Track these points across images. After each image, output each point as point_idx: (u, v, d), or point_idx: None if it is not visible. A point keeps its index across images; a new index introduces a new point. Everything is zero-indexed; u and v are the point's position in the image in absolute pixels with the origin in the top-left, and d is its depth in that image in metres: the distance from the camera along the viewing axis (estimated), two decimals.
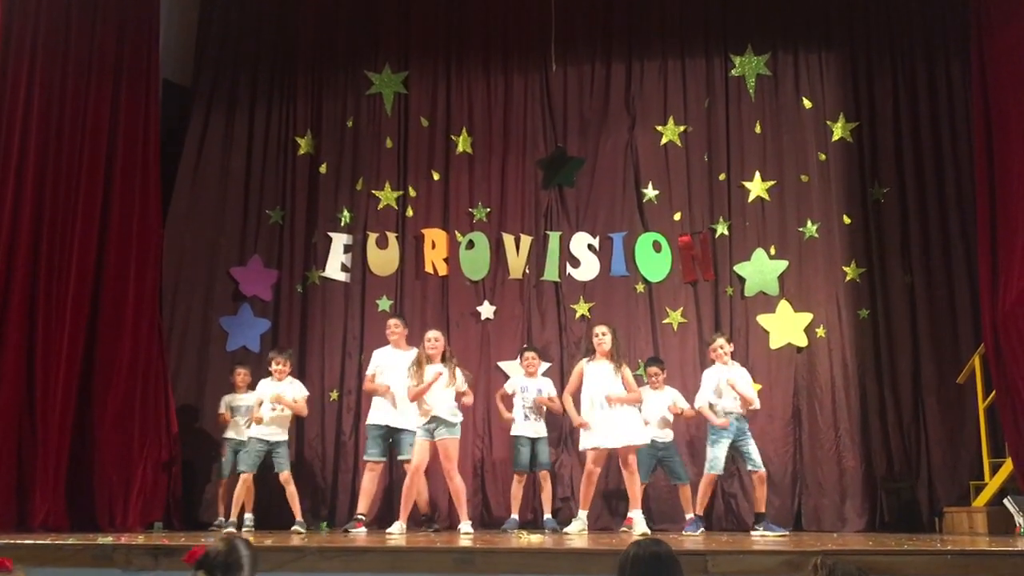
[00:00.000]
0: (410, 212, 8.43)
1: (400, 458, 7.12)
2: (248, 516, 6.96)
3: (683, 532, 6.80)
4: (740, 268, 8.07)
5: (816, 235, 8.04)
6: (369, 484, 7.00)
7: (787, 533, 6.75)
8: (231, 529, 6.73)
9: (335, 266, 8.34)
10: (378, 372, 7.20)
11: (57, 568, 4.61)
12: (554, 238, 8.25)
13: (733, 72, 8.39)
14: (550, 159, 8.21)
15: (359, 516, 6.91)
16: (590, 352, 6.82)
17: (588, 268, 8.21)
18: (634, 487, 6.57)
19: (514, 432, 7.33)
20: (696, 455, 7.55)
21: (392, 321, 7.35)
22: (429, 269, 8.28)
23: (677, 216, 8.22)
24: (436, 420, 6.46)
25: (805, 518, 7.50)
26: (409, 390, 6.61)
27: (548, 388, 7.41)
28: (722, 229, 8.16)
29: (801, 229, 8.08)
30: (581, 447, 6.78)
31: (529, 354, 7.48)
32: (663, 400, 7.19)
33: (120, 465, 6.76)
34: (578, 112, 8.50)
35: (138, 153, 7.33)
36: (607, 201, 8.33)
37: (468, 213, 8.40)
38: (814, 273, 8.01)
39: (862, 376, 7.75)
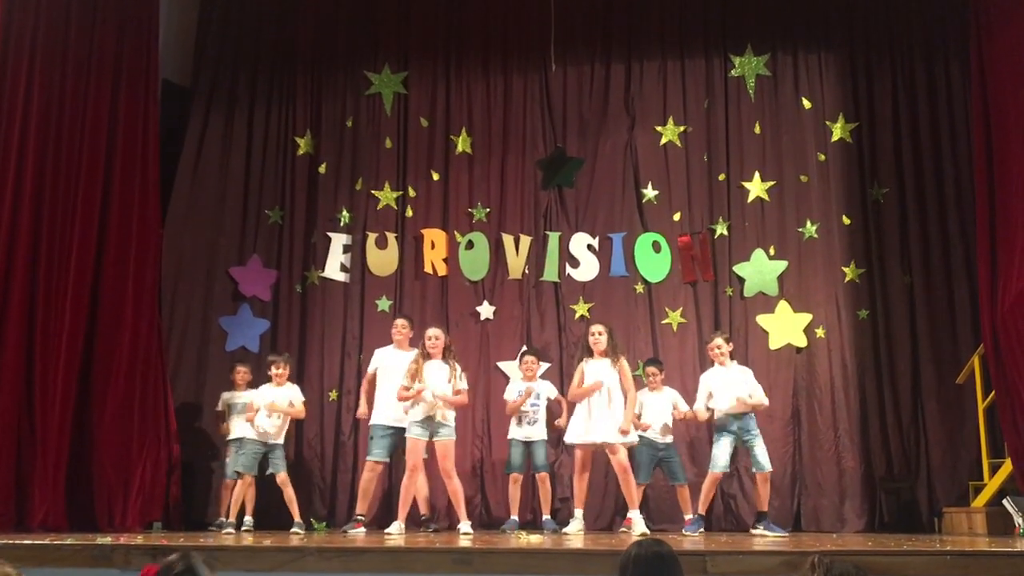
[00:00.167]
0: (409, 212, 8.43)
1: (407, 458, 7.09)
2: (248, 519, 6.94)
3: (683, 532, 6.80)
4: (739, 268, 8.07)
5: (815, 235, 8.04)
6: (368, 484, 6.98)
7: (787, 534, 6.75)
8: (229, 530, 6.72)
9: (334, 266, 8.34)
10: (378, 371, 7.20)
11: (56, 568, 4.61)
12: (553, 238, 8.25)
13: (733, 72, 8.39)
14: (549, 159, 8.22)
15: (358, 516, 6.91)
16: (588, 353, 6.83)
17: (587, 268, 8.21)
18: (629, 487, 6.57)
19: (509, 435, 7.32)
20: (696, 456, 7.55)
21: (400, 321, 7.34)
22: (428, 269, 8.28)
23: (676, 216, 8.22)
24: (435, 420, 6.48)
25: (804, 518, 7.50)
26: (399, 390, 6.60)
27: (547, 391, 7.39)
28: (721, 229, 8.16)
29: (800, 229, 8.08)
30: (566, 440, 6.84)
31: (528, 358, 7.45)
32: (663, 401, 7.18)
33: (119, 465, 6.75)
34: (577, 112, 8.50)
35: (137, 153, 7.32)
36: (606, 201, 8.33)
37: (467, 213, 8.40)
38: (813, 273, 8.01)
39: (861, 377, 7.76)
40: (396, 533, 6.37)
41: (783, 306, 7.95)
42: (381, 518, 7.39)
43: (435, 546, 5.15)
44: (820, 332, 7.85)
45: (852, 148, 8.19)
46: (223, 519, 7.09)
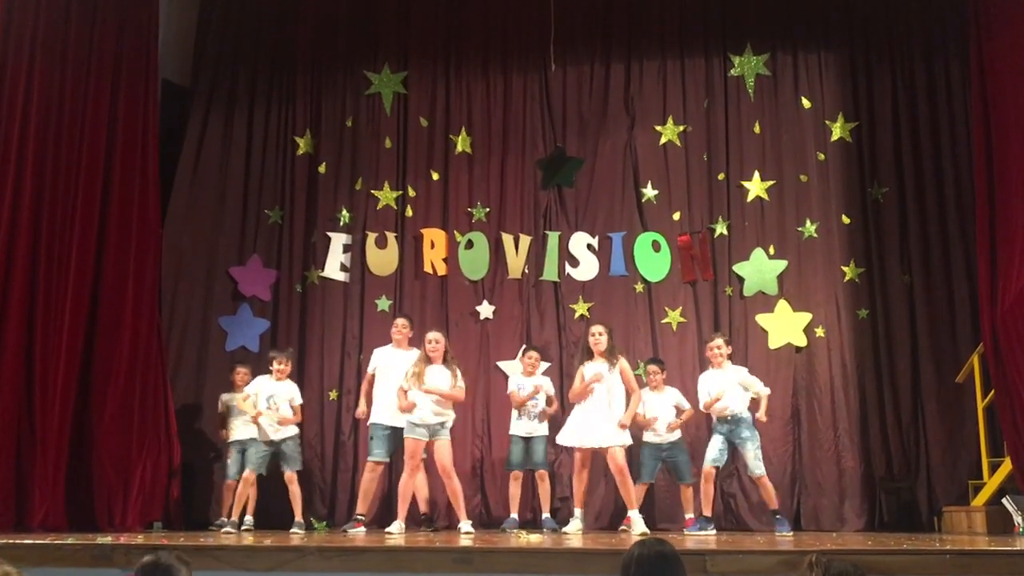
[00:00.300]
0: (409, 212, 8.43)
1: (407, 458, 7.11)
2: (248, 518, 6.95)
3: (685, 532, 6.79)
4: (739, 268, 8.07)
5: (815, 235, 8.05)
6: (369, 484, 6.99)
7: (790, 533, 6.75)
8: (229, 530, 6.72)
9: (334, 266, 8.34)
10: (378, 371, 7.20)
11: (56, 568, 4.61)
12: (553, 238, 8.25)
13: (732, 72, 8.39)
14: (549, 159, 8.22)
15: (358, 516, 6.91)
16: (587, 353, 6.83)
17: (587, 268, 8.21)
18: (627, 488, 6.57)
19: (511, 431, 7.33)
20: (697, 456, 7.54)
21: (400, 321, 7.35)
22: (428, 269, 8.28)
23: (676, 216, 8.22)
24: (435, 420, 6.49)
25: (804, 518, 7.50)
26: (400, 392, 6.60)
27: (545, 387, 7.39)
28: (721, 229, 8.16)
29: (800, 229, 8.08)
30: (558, 441, 6.86)
31: (532, 353, 7.47)
32: (665, 401, 7.18)
33: (119, 465, 6.75)
34: (577, 112, 8.50)
35: (137, 153, 7.32)
36: (606, 201, 8.33)
37: (467, 213, 8.40)
38: (813, 273, 8.01)
39: (861, 376, 7.76)
40: (396, 533, 6.38)
41: (783, 305, 7.95)
42: (381, 518, 7.40)
43: (435, 545, 5.15)
44: (820, 331, 7.86)
45: (852, 147, 8.19)
46: (224, 519, 7.10)
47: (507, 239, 8.27)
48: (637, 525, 6.48)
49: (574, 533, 6.51)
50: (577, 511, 6.71)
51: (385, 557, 4.68)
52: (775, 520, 6.74)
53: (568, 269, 8.22)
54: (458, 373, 6.70)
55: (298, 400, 7.16)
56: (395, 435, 6.98)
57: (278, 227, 8.45)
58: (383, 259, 8.32)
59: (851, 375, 7.75)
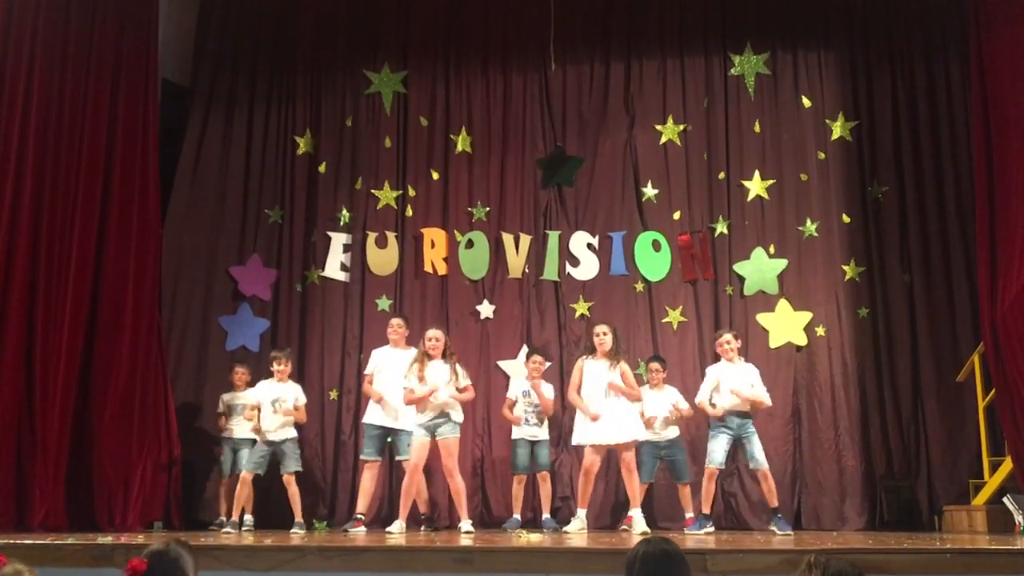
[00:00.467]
0: (409, 211, 8.43)
1: (398, 458, 7.14)
2: (248, 517, 6.95)
3: (685, 531, 6.79)
4: (739, 267, 8.07)
5: (815, 234, 8.05)
6: (368, 483, 7.01)
7: (791, 532, 6.75)
8: (229, 530, 6.72)
9: (334, 265, 8.34)
10: (376, 372, 7.21)
11: (56, 568, 4.60)
12: (553, 237, 8.25)
13: (732, 71, 8.39)
14: (549, 158, 8.22)
15: (358, 515, 6.92)
16: (590, 350, 6.83)
17: (587, 267, 8.21)
18: (633, 486, 6.57)
19: (514, 435, 7.33)
20: (697, 455, 7.54)
21: (395, 321, 7.35)
22: (428, 268, 8.28)
23: (676, 215, 8.22)
24: (437, 419, 6.49)
25: (805, 517, 7.50)
26: (405, 393, 6.62)
27: (547, 392, 7.38)
28: (721, 228, 8.16)
29: (800, 228, 8.08)
30: (574, 442, 6.81)
31: (537, 358, 7.45)
32: (664, 399, 7.18)
33: (119, 465, 6.74)
34: (577, 111, 8.49)
35: (137, 152, 7.32)
36: (606, 200, 8.33)
37: (467, 212, 8.40)
38: (813, 272, 8.01)
39: (861, 375, 7.76)
40: (397, 532, 6.38)
41: (783, 305, 7.95)
42: (382, 517, 7.40)
43: (436, 545, 5.15)
44: (820, 330, 7.86)
45: (852, 146, 8.19)
46: (223, 518, 7.10)
47: (507, 238, 8.27)
48: (638, 524, 6.48)
49: (575, 533, 6.51)
50: (580, 511, 6.69)
51: (386, 557, 4.68)
52: (776, 520, 6.73)
53: (568, 268, 8.21)
54: (460, 369, 6.70)
55: (302, 400, 7.16)
56: (384, 435, 7.07)
57: (278, 227, 8.44)
58: (383, 259, 8.32)
59: (851, 374, 7.75)
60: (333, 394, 8.07)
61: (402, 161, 8.52)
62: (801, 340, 7.86)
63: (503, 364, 8.02)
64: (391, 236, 8.35)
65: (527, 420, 7.28)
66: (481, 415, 7.91)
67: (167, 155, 7.97)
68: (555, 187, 8.31)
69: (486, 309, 8.19)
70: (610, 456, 6.82)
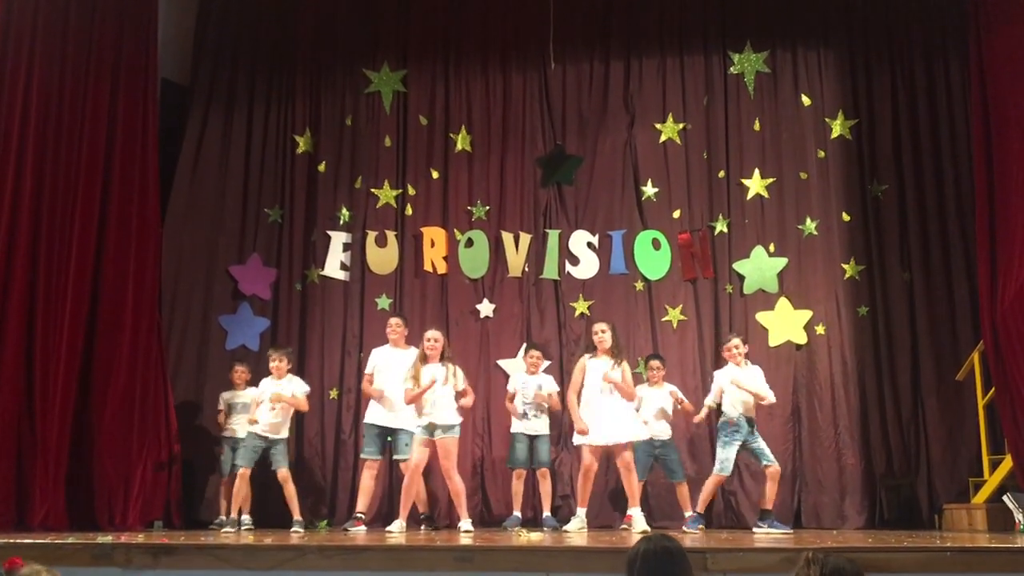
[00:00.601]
0: (409, 210, 8.43)
1: (396, 458, 7.16)
2: (246, 517, 6.95)
3: (683, 529, 6.80)
4: (739, 266, 8.07)
5: (815, 232, 8.05)
6: (368, 482, 7.02)
7: (791, 531, 6.75)
8: (229, 529, 6.72)
9: (334, 264, 8.33)
10: (376, 371, 7.21)
11: (57, 567, 4.59)
12: (553, 236, 8.25)
13: (732, 70, 8.38)
14: (549, 157, 8.22)
15: (358, 515, 6.92)
16: (591, 349, 6.83)
17: (587, 266, 8.20)
18: (631, 485, 6.58)
19: (513, 429, 7.34)
20: (696, 454, 7.56)
21: (393, 320, 7.36)
22: (428, 267, 8.28)
23: (676, 214, 8.22)
24: (436, 420, 6.50)
25: (805, 515, 7.51)
26: (406, 393, 6.63)
27: (548, 385, 7.40)
28: (721, 227, 8.16)
29: (800, 226, 8.08)
30: (575, 443, 6.82)
31: (534, 352, 7.48)
32: (662, 396, 7.18)
33: (119, 464, 6.75)
34: (577, 110, 8.49)
35: (136, 152, 7.31)
36: (606, 199, 8.33)
37: (467, 211, 8.40)
38: (813, 270, 8.01)
39: (861, 373, 7.76)
40: (397, 531, 6.38)
41: (783, 303, 7.95)
42: (381, 516, 7.41)
43: (436, 544, 5.15)
44: (820, 329, 7.86)
45: (852, 145, 8.19)
46: (223, 517, 7.11)
47: (507, 237, 8.27)
48: (638, 523, 6.49)
49: (575, 531, 6.51)
50: (580, 510, 6.70)
51: (386, 556, 4.68)
52: (770, 523, 6.72)
53: (568, 267, 8.21)
54: (459, 372, 6.69)
55: (302, 390, 7.15)
56: (385, 435, 7.08)
57: (278, 226, 8.44)
58: (383, 258, 8.32)
59: (851, 373, 7.76)
60: (333, 393, 8.07)
61: (402, 160, 8.51)
62: (801, 339, 7.86)
63: (503, 363, 8.01)
64: (391, 235, 8.35)
65: (525, 414, 7.28)
66: (481, 414, 7.91)
67: (167, 154, 7.97)
68: (555, 186, 8.31)
69: (486, 308, 8.19)
70: (609, 454, 6.82)
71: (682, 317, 8.02)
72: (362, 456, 7.15)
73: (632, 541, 4.98)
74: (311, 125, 8.60)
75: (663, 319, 8.04)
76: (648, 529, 6.41)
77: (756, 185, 8.19)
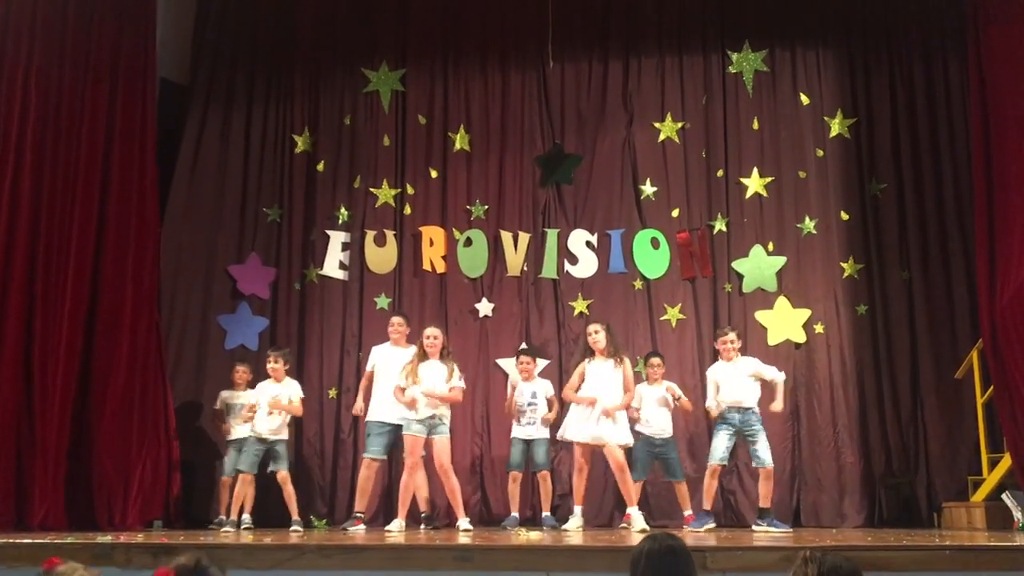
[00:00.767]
0: (408, 210, 8.42)
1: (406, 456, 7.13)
2: (246, 516, 6.95)
3: (686, 528, 6.78)
4: (738, 264, 8.08)
5: (814, 231, 8.05)
6: (366, 481, 7.01)
7: (790, 530, 6.75)
8: (228, 529, 6.72)
9: (333, 264, 8.33)
10: (376, 370, 7.21)
11: None
12: (552, 235, 8.25)
13: (730, 69, 8.39)
14: (548, 156, 8.22)
15: (357, 514, 6.92)
16: (588, 352, 6.82)
17: (586, 265, 8.21)
18: (626, 485, 6.57)
19: (512, 434, 7.33)
20: (695, 452, 7.55)
21: (396, 319, 7.35)
22: (427, 267, 8.28)
23: (675, 213, 8.22)
24: (434, 418, 6.50)
25: (804, 514, 7.51)
26: (396, 388, 6.63)
27: (544, 389, 7.38)
28: (720, 225, 8.17)
29: (799, 225, 8.09)
30: (559, 436, 6.84)
31: (524, 358, 7.44)
32: (661, 394, 7.18)
33: (119, 464, 6.74)
34: (576, 109, 8.49)
35: (135, 152, 7.30)
36: (605, 198, 8.33)
37: (466, 211, 8.40)
38: (812, 269, 8.02)
39: (860, 372, 7.77)
40: (396, 531, 6.38)
41: (782, 302, 7.95)
42: (381, 515, 7.41)
43: (435, 543, 5.16)
44: (819, 328, 7.86)
45: (850, 144, 8.20)
46: (222, 517, 7.10)
47: (506, 236, 8.27)
48: (637, 522, 6.48)
49: (574, 530, 6.52)
50: (577, 509, 6.71)
51: (385, 555, 4.68)
52: (769, 521, 6.71)
53: (567, 266, 8.21)
54: (456, 370, 6.71)
55: (298, 396, 7.18)
56: (391, 433, 7.02)
57: (277, 225, 8.44)
58: (382, 257, 8.32)
59: (850, 371, 7.76)
60: (332, 392, 8.07)
61: (400, 159, 8.51)
62: (800, 337, 7.87)
63: (502, 362, 8.02)
64: (390, 234, 8.35)
65: (519, 420, 7.27)
66: (480, 413, 7.91)
67: (165, 154, 7.96)
68: (554, 185, 8.30)
69: (485, 307, 8.19)
70: (602, 454, 6.80)
71: (681, 316, 8.03)
72: (366, 455, 7.06)
73: (631, 540, 4.99)
74: (310, 124, 8.60)
75: (662, 318, 8.05)
76: (647, 528, 6.42)
77: (755, 184, 8.19)
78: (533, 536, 5.72)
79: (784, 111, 8.30)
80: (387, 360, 7.17)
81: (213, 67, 8.60)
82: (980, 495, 6.93)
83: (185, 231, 8.13)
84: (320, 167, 8.51)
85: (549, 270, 8.19)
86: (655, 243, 8.16)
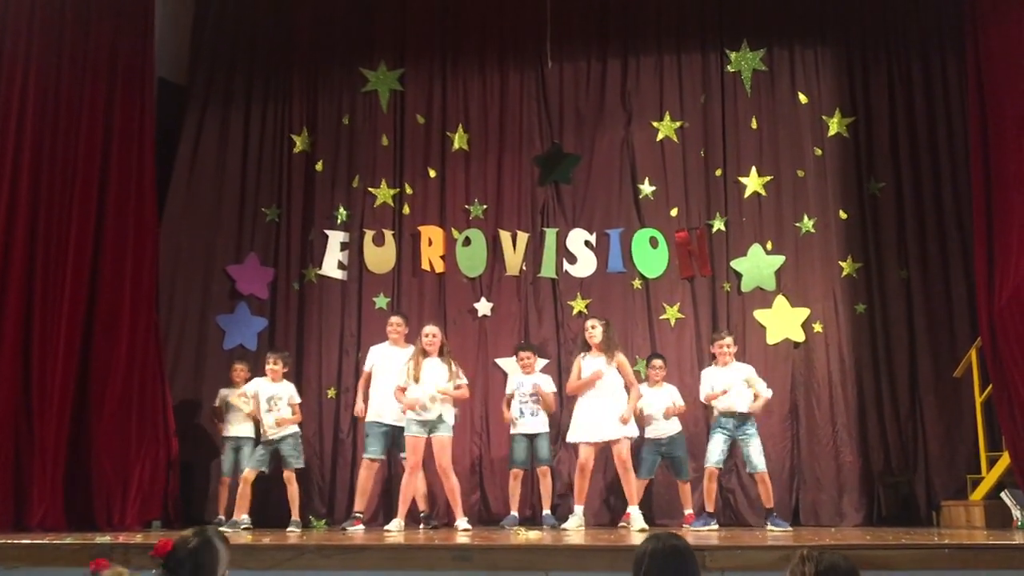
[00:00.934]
0: (407, 209, 8.42)
1: (403, 456, 7.13)
2: (245, 516, 6.94)
3: (688, 527, 6.79)
4: (737, 264, 8.08)
5: (813, 230, 8.05)
6: (365, 481, 7.01)
7: (791, 529, 6.76)
8: (227, 529, 6.71)
9: (332, 264, 8.33)
10: (374, 369, 7.21)
11: (55, 568, 4.60)
12: (551, 235, 8.24)
13: (729, 68, 8.38)
14: (546, 156, 8.18)
15: (356, 514, 6.92)
16: (585, 348, 6.84)
17: (585, 264, 8.21)
18: (629, 483, 6.58)
19: (512, 431, 7.34)
20: (695, 453, 7.53)
21: (394, 319, 7.36)
22: (426, 266, 8.27)
23: (674, 212, 8.22)
24: (431, 417, 6.50)
25: (803, 513, 7.52)
26: (397, 390, 6.63)
27: (545, 384, 7.40)
28: (719, 225, 8.17)
29: (798, 224, 8.09)
30: (568, 439, 6.83)
31: (524, 353, 7.48)
32: (663, 397, 7.19)
33: (117, 464, 6.74)
34: (574, 108, 8.49)
35: (133, 151, 7.30)
36: (603, 197, 8.33)
37: (465, 210, 8.39)
38: (811, 268, 8.02)
39: (859, 371, 7.77)
40: (396, 530, 6.38)
41: (780, 301, 7.96)
42: (380, 515, 7.41)
43: (435, 543, 5.16)
44: (818, 327, 7.86)
45: (849, 143, 8.20)
46: (221, 517, 7.10)
47: (505, 236, 8.26)
48: (636, 521, 6.49)
49: (574, 530, 6.52)
50: (578, 508, 6.70)
51: (385, 555, 4.68)
52: (773, 520, 6.72)
53: (566, 266, 8.21)
54: (456, 368, 6.71)
55: (296, 399, 7.18)
56: (391, 433, 7.03)
57: (275, 225, 8.43)
58: (381, 257, 8.31)
59: (849, 370, 7.76)
60: (331, 392, 8.07)
61: (399, 159, 8.51)
62: (799, 336, 7.87)
63: (500, 362, 8.01)
64: (388, 234, 8.34)
65: (521, 413, 7.28)
66: (479, 412, 7.91)
67: (164, 154, 7.94)
68: (552, 184, 8.29)
69: (484, 307, 8.18)
70: (608, 452, 6.82)
71: (680, 315, 8.03)
72: (365, 456, 7.06)
73: (630, 539, 5.00)
74: (308, 124, 8.59)
75: (661, 317, 8.05)
76: (646, 527, 6.42)
77: (753, 183, 8.20)
78: (532, 535, 5.72)
79: (782, 110, 8.30)
80: (385, 360, 7.17)
81: (212, 67, 8.60)
82: (979, 494, 6.94)
83: (184, 231, 8.12)
84: (319, 167, 8.51)
85: (548, 269, 8.19)
86: (654, 242, 8.16)
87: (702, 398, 7.06)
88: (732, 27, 8.45)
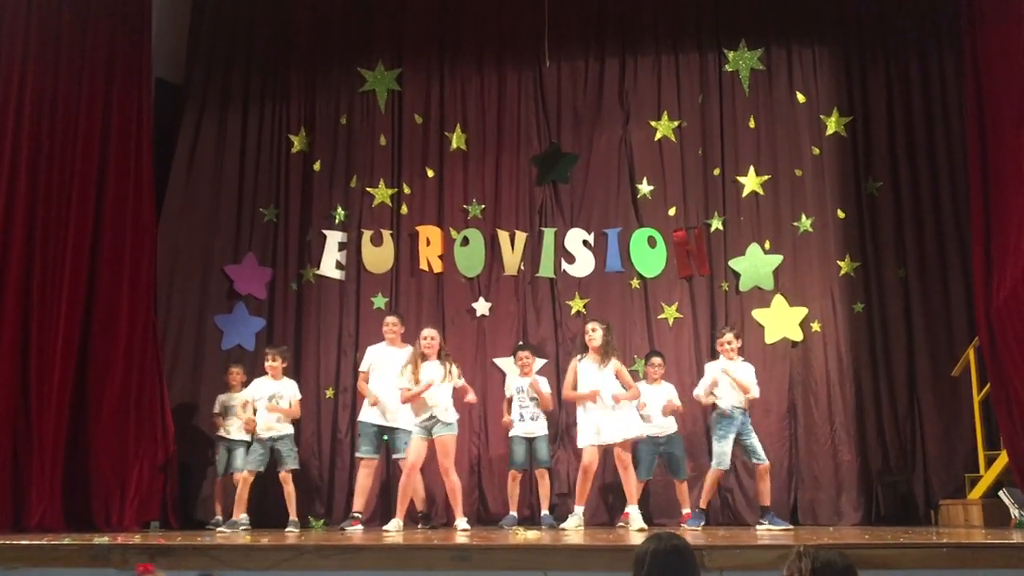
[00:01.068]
0: (404, 209, 8.42)
1: (395, 456, 7.15)
2: (244, 516, 6.94)
3: (682, 526, 6.80)
4: (735, 263, 8.08)
5: (810, 229, 8.06)
6: (364, 481, 7.02)
7: (791, 527, 6.76)
8: (225, 530, 6.71)
9: (330, 264, 8.32)
10: (371, 369, 7.21)
11: (53, 568, 4.60)
12: (549, 234, 8.24)
13: (727, 67, 8.38)
14: (544, 155, 8.22)
15: (355, 514, 6.92)
16: (583, 350, 6.83)
17: (583, 264, 8.20)
18: (629, 482, 6.57)
19: (512, 433, 7.34)
20: (693, 453, 7.54)
21: (390, 319, 7.36)
22: (424, 266, 8.27)
23: (672, 211, 8.22)
24: (434, 418, 6.50)
25: (801, 512, 7.52)
26: (401, 392, 6.64)
27: (543, 385, 7.40)
28: (717, 224, 8.17)
29: (795, 223, 8.09)
30: (579, 444, 6.77)
31: (523, 353, 7.48)
32: (661, 395, 7.19)
33: (116, 464, 6.73)
34: (572, 108, 8.49)
35: (131, 152, 7.29)
36: (601, 197, 8.33)
37: (463, 210, 8.39)
38: (809, 267, 8.02)
39: (857, 370, 7.77)
40: (394, 530, 6.38)
41: (779, 300, 7.96)
42: (378, 515, 7.40)
43: (434, 543, 5.15)
44: (816, 326, 7.87)
45: (846, 142, 8.20)
46: (219, 518, 7.10)
47: (503, 236, 8.26)
48: (635, 520, 6.48)
49: (573, 529, 6.52)
50: (577, 509, 6.69)
51: (383, 555, 4.68)
52: (771, 519, 6.72)
53: (564, 265, 8.21)
54: (455, 370, 6.71)
55: (297, 397, 7.19)
56: (381, 433, 7.10)
57: (273, 225, 8.43)
58: (379, 257, 8.31)
59: (847, 369, 7.77)
60: (329, 392, 8.06)
61: (397, 159, 8.51)
62: (797, 335, 7.87)
63: (499, 361, 8.01)
64: (386, 234, 8.34)
65: (521, 416, 7.28)
66: (478, 412, 7.90)
67: (161, 154, 7.94)
68: (550, 184, 8.30)
69: (482, 306, 8.18)
70: (608, 453, 6.82)
71: (678, 315, 8.03)
72: (358, 455, 7.15)
73: (629, 539, 5.00)
74: (306, 124, 8.59)
75: (659, 317, 8.05)
76: (645, 526, 6.42)
77: (751, 182, 8.20)
78: (531, 535, 5.72)
79: (780, 109, 8.30)
80: (382, 360, 7.18)
81: (209, 67, 8.58)
82: (977, 492, 6.94)
83: (181, 231, 8.12)
84: (316, 167, 8.50)
85: (546, 269, 8.19)
86: (652, 242, 8.16)
87: (698, 392, 7.04)
88: (730, 26, 8.45)
